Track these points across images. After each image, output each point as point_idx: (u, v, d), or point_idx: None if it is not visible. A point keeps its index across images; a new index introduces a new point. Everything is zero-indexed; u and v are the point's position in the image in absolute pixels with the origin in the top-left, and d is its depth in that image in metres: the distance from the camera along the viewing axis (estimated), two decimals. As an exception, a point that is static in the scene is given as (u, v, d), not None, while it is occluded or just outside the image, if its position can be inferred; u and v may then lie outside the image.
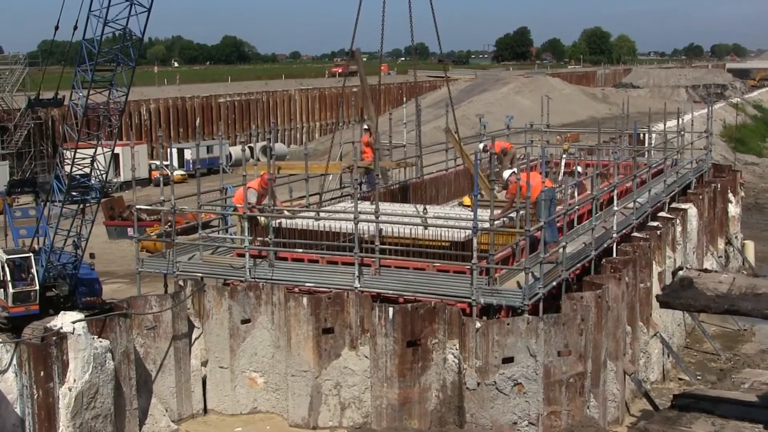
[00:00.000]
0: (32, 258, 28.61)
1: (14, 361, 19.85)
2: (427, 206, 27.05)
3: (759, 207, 59.94)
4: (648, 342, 26.91)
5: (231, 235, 27.58)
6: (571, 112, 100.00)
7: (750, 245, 43.33)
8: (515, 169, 25.93)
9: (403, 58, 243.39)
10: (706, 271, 21.05)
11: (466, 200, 30.99)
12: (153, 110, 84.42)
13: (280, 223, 25.64)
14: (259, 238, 25.36)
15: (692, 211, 33.79)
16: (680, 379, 28.01)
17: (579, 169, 33.06)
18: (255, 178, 26.53)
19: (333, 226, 25.13)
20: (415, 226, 24.22)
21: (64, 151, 28.22)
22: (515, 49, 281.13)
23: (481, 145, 33.99)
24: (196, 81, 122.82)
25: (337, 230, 24.97)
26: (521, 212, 23.36)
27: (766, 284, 17.71)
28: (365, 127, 35.27)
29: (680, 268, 22.61)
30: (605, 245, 27.35)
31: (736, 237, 42.39)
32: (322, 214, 26.21)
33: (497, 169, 28.18)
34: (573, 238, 26.29)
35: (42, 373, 19.69)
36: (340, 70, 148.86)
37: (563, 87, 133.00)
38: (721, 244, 40.02)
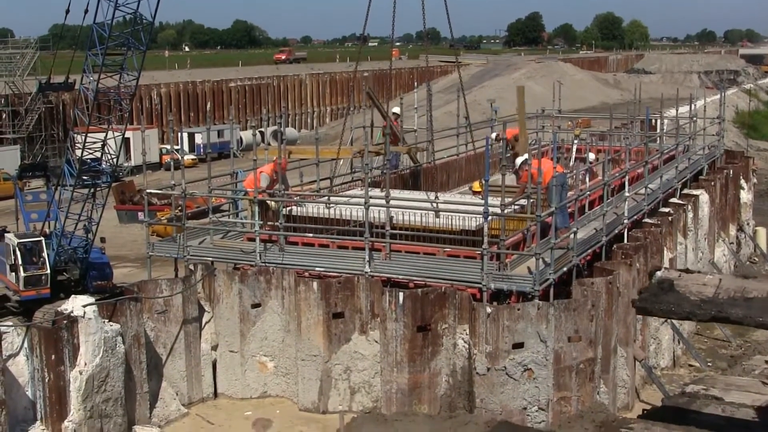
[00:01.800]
0: (43, 242, 28.64)
1: (25, 345, 19.93)
2: (439, 194, 27.05)
3: (771, 193, 59.72)
4: (658, 328, 26.88)
5: (241, 219, 27.63)
6: (582, 98, 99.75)
7: (762, 232, 43.22)
8: (527, 156, 25.89)
9: (414, 43, 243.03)
10: (687, 271, 19.32)
11: (476, 186, 30.98)
12: (164, 94, 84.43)
13: (290, 210, 25.67)
14: (269, 223, 25.39)
15: (704, 197, 33.73)
16: (690, 365, 28.00)
17: (591, 156, 32.99)
18: (266, 163, 26.55)
19: (344, 213, 25.14)
20: (426, 215, 24.22)
21: (75, 136, 28.22)
22: (527, 35, 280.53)
23: (493, 135, 33.95)
24: (207, 65, 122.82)
25: (348, 218, 24.97)
26: (532, 198, 23.36)
27: (756, 287, 16.26)
28: (394, 111, 35.13)
29: (658, 268, 21.56)
30: (616, 231, 27.33)
31: (747, 223, 42.29)
32: (332, 202, 26.21)
33: (509, 155, 28.15)
34: (584, 223, 26.27)
35: (53, 357, 19.78)
36: (283, 57, 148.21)
37: (575, 72, 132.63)
38: (732, 230, 39.93)
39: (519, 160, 26.72)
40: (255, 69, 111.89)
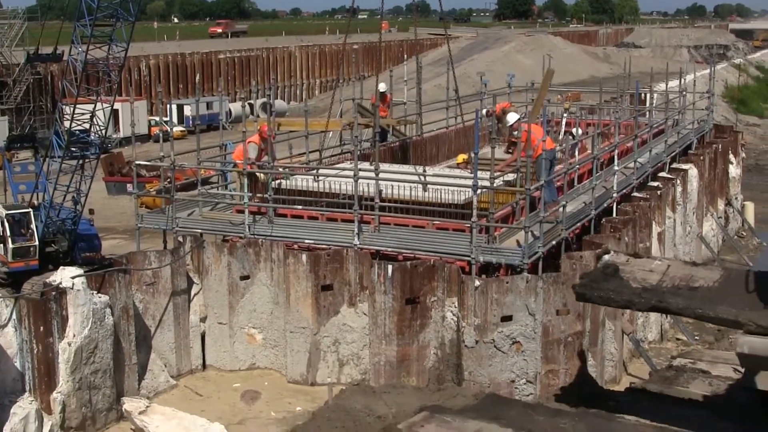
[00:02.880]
0: (32, 213, 28.57)
1: (14, 316, 19.87)
2: (428, 167, 27.03)
3: (760, 168, 59.85)
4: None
5: (230, 191, 27.60)
6: (572, 72, 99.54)
7: (750, 206, 43.32)
8: (519, 116, 25.86)
9: (403, 16, 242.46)
10: (636, 256, 18.39)
11: (460, 158, 30.98)
12: (153, 66, 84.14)
13: (279, 184, 25.64)
14: (258, 195, 25.37)
15: (693, 171, 33.76)
16: (678, 339, 28.09)
17: (578, 131, 33.03)
18: (254, 133, 26.52)
19: (333, 187, 25.12)
20: (415, 188, 24.22)
21: (64, 107, 28.13)
22: (517, 8, 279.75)
23: (483, 111, 33.97)
24: (196, 37, 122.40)
25: (337, 191, 24.95)
26: (522, 171, 23.37)
27: (705, 275, 15.46)
28: (381, 89, 35.03)
29: (606, 252, 21.11)
30: (605, 205, 27.39)
31: (736, 198, 42.37)
32: (321, 175, 26.18)
33: (498, 127, 28.10)
34: (573, 197, 26.29)
35: (41, 328, 19.76)
36: (219, 30, 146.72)
37: (565, 46, 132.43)
38: (721, 205, 40.01)
39: (512, 117, 26.65)
40: (244, 41, 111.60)
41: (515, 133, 25.67)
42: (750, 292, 14.11)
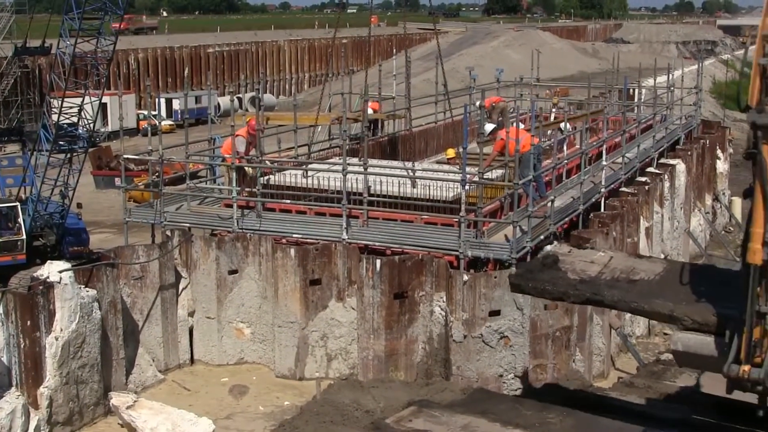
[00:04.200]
0: (19, 207, 28.49)
1: (1, 311, 19.82)
2: (416, 163, 27.02)
3: (747, 164, 59.84)
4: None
5: (219, 185, 27.55)
6: (561, 67, 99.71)
7: (737, 201, 43.37)
8: (495, 126, 25.87)
9: (393, 10, 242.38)
10: (580, 247, 17.93)
11: (449, 152, 31.02)
12: (141, 60, 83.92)
13: (268, 179, 25.60)
14: (247, 189, 25.33)
15: (680, 166, 33.81)
16: (666, 333, 28.11)
17: (568, 126, 33.04)
18: (242, 127, 26.46)
19: (321, 183, 25.08)
20: (404, 184, 24.22)
21: (51, 100, 28.05)
22: (506, 3, 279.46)
23: (477, 102, 33.98)
24: (185, 31, 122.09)
25: (326, 187, 24.92)
26: (510, 166, 23.38)
27: (647, 268, 14.65)
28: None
29: (550, 242, 20.85)
30: (593, 200, 27.41)
31: (723, 193, 42.45)
32: (310, 170, 26.14)
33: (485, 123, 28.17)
34: (561, 192, 26.29)
35: (29, 323, 19.68)
36: (119, 26, 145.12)
37: (554, 41, 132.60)
38: (708, 200, 40.08)
39: (488, 128, 26.69)
40: (233, 35, 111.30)
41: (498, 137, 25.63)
42: (683, 284, 13.73)
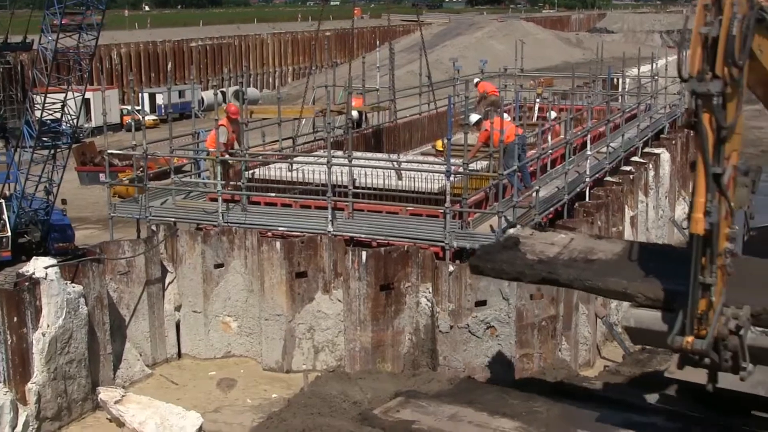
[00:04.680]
0: (3, 204, 28.48)
1: (-13, 307, 19.84)
2: (401, 154, 27.09)
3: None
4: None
5: (203, 179, 27.59)
6: (545, 57, 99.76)
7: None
8: (481, 116, 25.95)
9: (376, 2, 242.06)
10: (542, 229, 17.77)
11: (439, 144, 31.10)
12: (124, 54, 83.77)
13: (253, 173, 25.65)
14: (231, 183, 25.38)
15: (665, 155, 33.95)
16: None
17: (553, 113, 33.19)
18: (223, 117, 26.48)
19: (306, 176, 25.15)
20: (388, 178, 24.30)
21: (34, 96, 28.06)
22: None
23: (475, 80, 34.33)
24: (168, 25, 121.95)
25: (311, 180, 24.98)
26: (495, 157, 23.49)
27: (606, 248, 14.81)
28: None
29: (512, 225, 20.77)
30: (578, 189, 27.52)
31: (708, 182, 42.53)
32: (295, 164, 26.19)
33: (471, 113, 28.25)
34: (546, 182, 26.39)
35: (15, 319, 19.70)
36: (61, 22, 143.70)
37: (537, 31, 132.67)
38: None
39: (473, 118, 26.76)
40: (216, 29, 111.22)
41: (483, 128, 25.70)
42: (640, 263, 13.79)
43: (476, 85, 35.96)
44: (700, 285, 11.39)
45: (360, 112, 33.92)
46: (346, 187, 23.40)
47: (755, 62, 11.86)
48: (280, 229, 23.61)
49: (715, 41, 11.03)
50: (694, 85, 11.17)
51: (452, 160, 22.26)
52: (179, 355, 24.48)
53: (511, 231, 17.11)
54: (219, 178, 24.40)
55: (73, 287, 20.73)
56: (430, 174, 24.22)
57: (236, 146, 25.90)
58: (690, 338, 11.50)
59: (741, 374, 11.61)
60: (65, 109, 26.82)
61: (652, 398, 17.86)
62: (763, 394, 14.37)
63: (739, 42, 11.01)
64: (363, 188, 23.99)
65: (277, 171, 25.91)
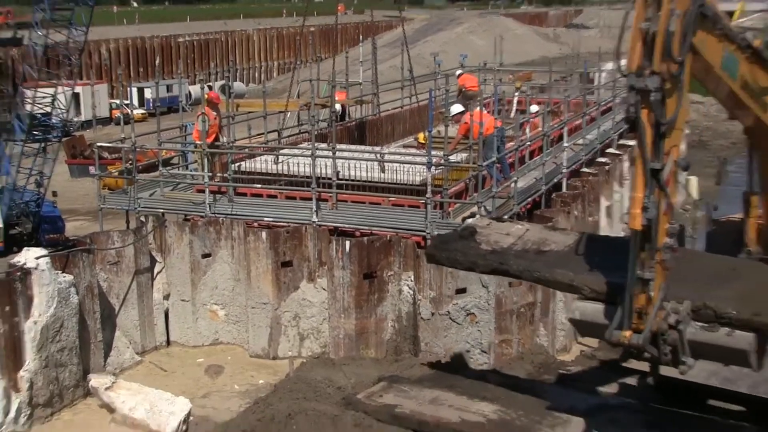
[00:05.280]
0: (-5, 196, 28.38)
1: (-21, 297, 19.80)
2: (384, 147, 27.11)
3: (703, 144, 60.24)
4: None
5: (191, 171, 27.57)
6: (523, 52, 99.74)
7: (693, 181, 43.59)
8: (462, 109, 26.00)
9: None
10: (500, 220, 17.64)
11: (420, 137, 31.17)
12: (113, 50, 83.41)
13: (239, 166, 25.65)
14: (218, 174, 25.38)
15: (639, 147, 34.01)
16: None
17: (533, 107, 33.27)
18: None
19: (291, 168, 25.16)
20: (372, 169, 24.34)
21: (25, 91, 27.93)
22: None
23: (458, 72, 34.40)
24: (156, 21, 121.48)
25: (296, 172, 25.00)
26: (474, 149, 23.57)
27: (559, 240, 14.77)
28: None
29: (472, 215, 20.62)
30: (555, 180, 27.61)
31: (680, 173, 42.66)
32: (280, 156, 26.19)
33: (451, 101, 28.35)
34: (524, 173, 26.50)
35: (7, 308, 19.65)
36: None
37: (516, 27, 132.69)
38: (667, 179, 40.30)
39: (455, 109, 26.80)
40: (203, 24, 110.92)
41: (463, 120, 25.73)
42: (589, 255, 13.75)
43: (458, 77, 36.09)
44: (639, 280, 11.34)
45: (342, 106, 33.94)
46: (330, 178, 23.43)
47: (699, 57, 11.81)
48: (266, 219, 23.61)
49: (654, 37, 10.97)
50: (632, 80, 11.11)
51: (433, 152, 22.32)
52: (168, 342, 24.47)
53: (470, 221, 16.97)
54: (206, 170, 24.41)
55: (64, 277, 20.71)
56: (412, 166, 24.28)
57: (221, 138, 25.91)
58: (628, 333, 11.43)
59: (681, 368, 11.51)
60: (55, 103, 26.72)
61: (615, 387, 17.99)
62: (717, 385, 14.45)
63: (678, 38, 10.94)
64: (347, 180, 24.04)
65: (263, 163, 25.93)
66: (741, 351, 11.71)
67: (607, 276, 12.47)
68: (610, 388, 18.59)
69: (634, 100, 11.17)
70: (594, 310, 12.53)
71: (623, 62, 11.35)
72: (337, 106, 32.69)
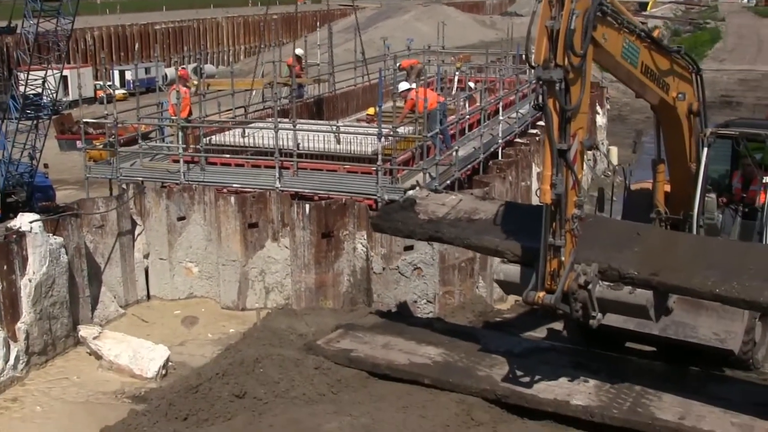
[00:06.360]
0: (-7, 169, 28.01)
1: (-21, 258, 19.59)
2: (340, 120, 27.03)
3: (622, 118, 60.53)
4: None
5: (167, 143, 27.38)
6: (463, 37, 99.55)
7: (614, 150, 43.58)
8: (413, 85, 25.96)
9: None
10: (436, 191, 17.19)
11: (370, 110, 31.16)
12: (97, 37, 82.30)
13: (210, 139, 25.49)
14: (191, 146, 25.24)
15: (566, 119, 34.15)
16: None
17: (471, 84, 33.27)
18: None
19: (257, 140, 25.02)
20: (329, 141, 24.28)
21: (18, 74, 27.53)
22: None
23: (397, 63, 34.69)
24: (135, 10, 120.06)
25: (261, 144, 24.87)
26: (420, 122, 23.57)
27: (488, 208, 14.67)
28: (298, 53, 35.21)
29: (414, 186, 20.52)
30: (492, 149, 27.70)
31: (602, 143, 43.00)
32: (247, 130, 26.04)
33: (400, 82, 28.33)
34: (464, 143, 26.54)
35: (5, 267, 19.48)
36: None
37: (457, 15, 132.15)
38: (590, 148, 40.51)
39: (402, 86, 26.77)
40: (177, 13, 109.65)
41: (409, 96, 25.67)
42: (507, 220, 13.87)
43: (399, 65, 36.11)
44: (550, 247, 11.56)
45: (300, 84, 33.76)
46: (291, 149, 23.33)
47: (601, 49, 11.92)
48: (234, 186, 23.49)
49: (558, 33, 11.08)
50: (539, 72, 11.25)
51: (383, 125, 22.29)
52: (148, 296, 24.35)
53: (410, 192, 17.03)
54: (180, 142, 24.28)
55: (55, 239, 20.56)
56: (364, 137, 24.22)
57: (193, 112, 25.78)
58: (541, 294, 11.64)
59: (591, 322, 11.77)
60: (46, 84, 26.35)
61: (545, 332, 18.14)
62: (632, 328, 14.69)
63: (579, 34, 11.06)
64: (306, 150, 23.93)
65: (231, 136, 25.76)
66: (641, 306, 11.96)
67: (527, 242, 12.59)
68: (541, 333, 18.71)
69: (541, 90, 11.32)
70: (514, 271, 12.68)
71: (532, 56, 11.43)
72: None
